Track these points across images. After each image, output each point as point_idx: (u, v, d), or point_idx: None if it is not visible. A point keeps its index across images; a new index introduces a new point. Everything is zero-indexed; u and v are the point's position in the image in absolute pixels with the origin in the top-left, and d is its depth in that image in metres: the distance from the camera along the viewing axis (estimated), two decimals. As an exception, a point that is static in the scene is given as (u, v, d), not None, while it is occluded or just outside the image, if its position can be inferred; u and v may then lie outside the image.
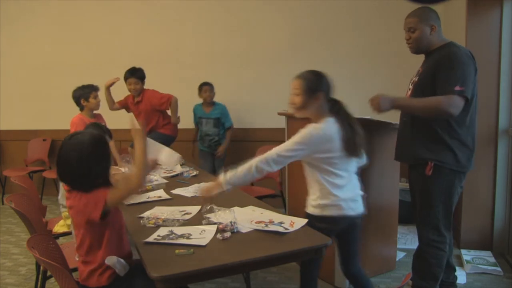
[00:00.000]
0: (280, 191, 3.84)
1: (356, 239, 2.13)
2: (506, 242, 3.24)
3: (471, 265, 2.99)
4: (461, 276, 2.88)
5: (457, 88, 2.09)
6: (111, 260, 1.76)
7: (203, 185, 2.02)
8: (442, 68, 2.18)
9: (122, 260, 1.79)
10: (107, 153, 1.80)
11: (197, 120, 4.34)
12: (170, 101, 4.11)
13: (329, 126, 1.94)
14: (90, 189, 1.73)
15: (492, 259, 3.09)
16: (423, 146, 2.27)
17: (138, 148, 1.80)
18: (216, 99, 4.28)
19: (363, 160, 2.13)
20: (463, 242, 3.34)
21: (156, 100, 4.09)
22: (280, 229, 1.94)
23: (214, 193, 2.00)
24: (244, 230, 1.96)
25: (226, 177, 1.96)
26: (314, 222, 1.98)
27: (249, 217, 2.12)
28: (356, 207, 2.03)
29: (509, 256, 3.17)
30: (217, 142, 4.28)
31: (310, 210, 2.04)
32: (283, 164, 1.97)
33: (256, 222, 2.04)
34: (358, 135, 1.97)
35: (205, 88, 4.24)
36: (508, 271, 2.96)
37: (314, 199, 2.02)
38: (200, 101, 4.34)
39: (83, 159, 1.71)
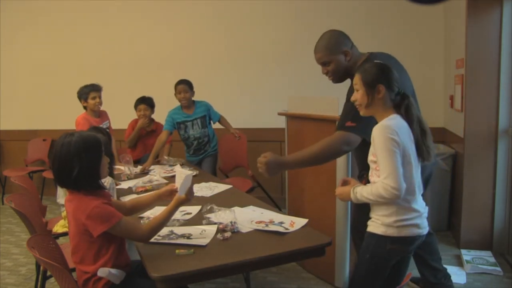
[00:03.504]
0: (256, 181, 3.91)
1: (409, 259, 1.86)
2: (506, 242, 3.24)
3: (471, 265, 2.99)
4: (461, 276, 2.88)
5: (348, 124, 1.97)
6: (103, 272, 1.73)
7: (341, 189, 1.85)
8: (346, 97, 2.07)
9: (114, 271, 1.76)
10: (95, 154, 1.74)
11: (177, 127, 3.83)
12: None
13: (397, 122, 1.70)
14: (78, 189, 1.72)
15: (492, 259, 3.09)
16: (359, 161, 2.27)
17: (168, 210, 1.82)
18: (216, 99, 4.25)
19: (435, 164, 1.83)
20: (463, 242, 3.34)
21: None
22: (280, 229, 1.94)
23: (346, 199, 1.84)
24: (244, 230, 1.96)
25: (356, 189, 1.76)
26: (385, 243, 1.70)
27: (249, 217, 2.12)
28: (427, 224, 1.77)
29: (509, 256, 3.17)
30: (206, 144, 3.91)
31: (380, 230, 1.71)
32: (402, 183, 1.62)
33: (256, 222, 2.04)
34: (429, 136, 1.72)
35: (180, 88, 3.76)
36: (508, 271, 2.96)
37: (388, 215, 1.69)
38: (173, 105, 3.91)
39: (69, 158, 1.69)
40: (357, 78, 1.78)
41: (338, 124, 2.05)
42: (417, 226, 1.70)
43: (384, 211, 1.70)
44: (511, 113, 3.20)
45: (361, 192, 1.72)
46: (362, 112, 1.80)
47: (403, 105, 1.72)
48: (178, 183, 1.90)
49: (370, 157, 1.73)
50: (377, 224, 1.73)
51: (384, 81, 1.73)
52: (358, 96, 1.78)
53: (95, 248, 1.74)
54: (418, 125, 1.71)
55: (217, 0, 4.74)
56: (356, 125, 1.95)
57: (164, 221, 1.81)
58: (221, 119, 4.02)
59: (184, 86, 3.76)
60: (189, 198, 1.86)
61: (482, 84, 3.24)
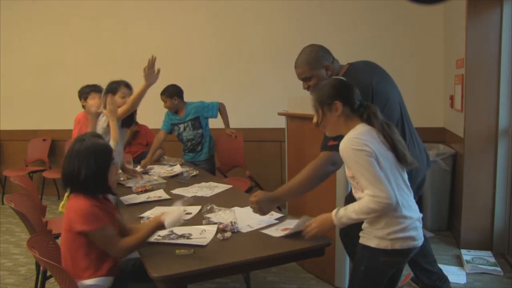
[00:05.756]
0: (254, 182, 3.93)
1: (403, 269, 1.82)
2: (506, 242, 3.24)
3: (471, 265, 2.99)
4: (461, 276, 2.89)
5: (331, 143, 1.91)
6: None
7: (320, 218, 1.75)
8: None
9: (93, 281, 1.74)
10: (104, 160, 1.79)
11: (172, 128, 3.91)
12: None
13: (362, 130, 1.64)
14: (84, 191, 1.75)
15: (492, 259, 3.09)
16: None
17: (146, 233, 1.74)
18: (216, 99, 4.24)
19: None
20: (463, 242, 3.34)
21: (150, 137, 4.06)
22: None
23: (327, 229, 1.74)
24: (244, 230, 1.96)
25: (339, 214, 1.66)
26: (379, 256, 1.63)
27: (257, 220, 2.08)
28: (422, 235, 1.68)
29: (509, 256, 3.17)
30: (199, 144, 3.91)
31: (373, 243, 1.64)
32: (389, 189, 1.54)
33: (282, 230, 1.92)
34: (398, 144, 1.64)
35: (161, 97, 3.85)
36: (508, 271, 2.96)
37: (380, 228, 1.61)
38: None
39: (78, 161, 1.74)
40: (313, 99, 1.73)
41: (321, 144, 2.01)
42: (412, 238, 1.63)
43: (375, 224, 1.63)
44: (511, 113, 3.20)
45: (348, 215, 1.62)
46: (327, 133, 1.77)
47: (365, 115, 1.66)
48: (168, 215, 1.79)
49: (347, 173, 1.66)
50: (369, 236, 1.66)
51: (340, 97, 1.67)
52: (318, 116, 1.73)
53: (77, 244, 1.73)
54: (385, 134, 1.63)
55: (218, 1, 4.75)
56: (339, 142, 1.89)
57: (141, 242, 1.75)
58: (221, 110, 4.01)
59: (162, 97, 3.85)
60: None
61: (482, 84, 3.24)
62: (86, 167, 1.73)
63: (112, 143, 2.57)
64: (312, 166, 1.99)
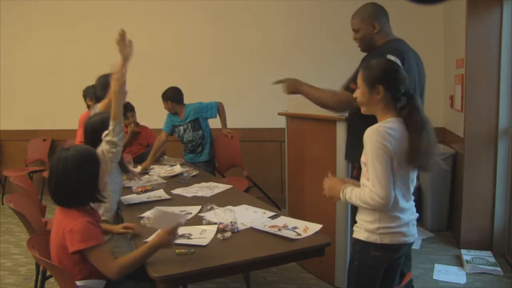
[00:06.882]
0: (252, 182, 3.95)
1: (400, 266, 1.82)
2: (506, 242, 3.24)
3: (471, 265, 2.99)
4: (461, 276, 2.89)
5: (353, 85, 1.90)
6: None
7: (333, 185, 1.80)
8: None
9: (83, 283, 1.72)
10: (93, 167, 1.73)
11: (173, 129, 3.93)
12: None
13: (392, 126, 1.61)
14: (74, 205, 1.71)
15: (492, 259, 3.09)
16: (350, 147, 2.26)
17: (143, 252, 1.65)
18: (216, 99, 4.25)
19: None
20: (463, 242, 3.34)
21: (151, 138, 4.05)
22: (292, 235, 1.87)
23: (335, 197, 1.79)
24: (244, 230, 1.96)
25: (345, 191, 1.71)
26: (369, 250, 1.68)
27: (250, 218, 2.10)
28: (415, 232, 1.71)
29: (509, 256, 3.17)
30: (199, 145, 3.93)
31: (363, 236, 1.68)
32: (391, 192, 1.58)
33: (269, 227, 1.98)
34: (433, 146, 1.61)
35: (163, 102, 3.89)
36: (508, 271, 2.96)
37: (371, 221, 1.66)
38: None
39: (66, 173, 1.67)
40: (359, 75, 1.72)
41: (344, 84, 2.13)
42: (402, 234, 1.65)
43: (367, 217, 1.67)
44: (511, 113, 3.20)
45: (350, 195, 1.68)
46: (362, 110, 1.74)
47: (407, 108, 1.62)
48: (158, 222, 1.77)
49: (362, 158, 1.67)
50: (360, 230, 1.70)
51: (385, 81, 1.64)
52: (358, 93, 1.71)
53: (71, 261, 1.71)
54: (420, 132, 1.58)
55: (217, 1, 4.75)
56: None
57: (137, 262, 1.64)
58: (219, 110, 4.00)
59: (162, 101, 3.86)
60: (170, 241, 1.66)
61: (482, 84, 3.24)
62: (77, 178, 1.67)
63: (111, 124, 2.19)
64: (332, 91, 2.21)
